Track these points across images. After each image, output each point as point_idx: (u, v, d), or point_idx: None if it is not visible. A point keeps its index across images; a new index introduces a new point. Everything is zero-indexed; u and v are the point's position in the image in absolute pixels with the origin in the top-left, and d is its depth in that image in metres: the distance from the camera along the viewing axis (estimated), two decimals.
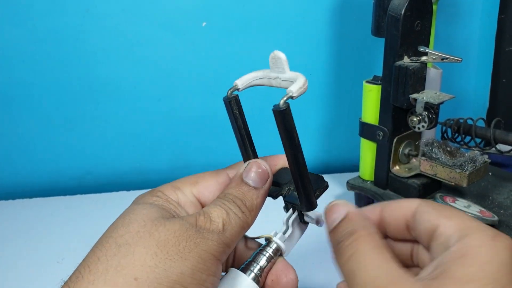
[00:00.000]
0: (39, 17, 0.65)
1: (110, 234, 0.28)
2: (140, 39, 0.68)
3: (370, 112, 0.60)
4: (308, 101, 0.76)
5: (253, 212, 0.33)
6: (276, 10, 0.70)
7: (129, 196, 0.70)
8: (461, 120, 0.64)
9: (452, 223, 0.26)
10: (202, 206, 0.34)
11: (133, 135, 0.74)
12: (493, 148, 0.62)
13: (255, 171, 0.33)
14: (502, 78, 0.75)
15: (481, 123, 0.65)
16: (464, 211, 0.51)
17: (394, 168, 0.60)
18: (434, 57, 0.53)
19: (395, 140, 0.58)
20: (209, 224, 0.30)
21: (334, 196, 0.68)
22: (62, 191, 0.73)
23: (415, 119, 0.56)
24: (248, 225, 0.32)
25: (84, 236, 0.60)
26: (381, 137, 0.59)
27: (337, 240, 0.30)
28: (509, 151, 0.63)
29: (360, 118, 0.62)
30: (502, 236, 0.25)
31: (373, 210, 0.33)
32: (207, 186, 0.35)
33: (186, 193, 0.34)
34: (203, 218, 0.30)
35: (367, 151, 0.62)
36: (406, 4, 0.52)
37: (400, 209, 0.31)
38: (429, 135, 0.62)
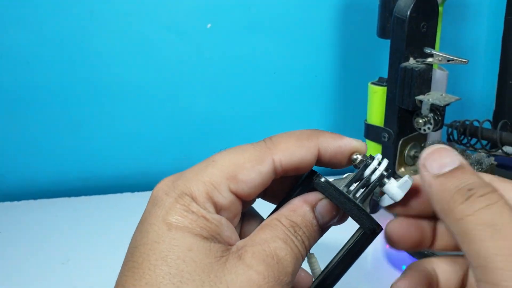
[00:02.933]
0: (44, 19, 0.65)
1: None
2: (145, 41, 0.68)
3: (376, 114, 0.60)
4: (313, 103, 0.76)
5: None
6: (281, 11, 0.70)
7: (134, 198, 0.70)
8: (467, 122, 0.64)
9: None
10: (239, 198, 0.26)
11: (138, 137, 0.74)
12: (500, 150, 0.61)
13: (328, 209, 0.27)
14: (508, 79, 0.74)
15: (488, 125, 0.65)
16: None
17: (400, 170, 0.59)
18: (440, 59, 0.53)
19: (400, 142, 0.58)
20: (282, 274, 0.24)
21: None
22: (67, 192, 0.73)
23: (420, 121, 0.56)
24: (300, 265, 0.27)
25: (89, 237, 0.60)
26: (386, 139, 0.58)
27: (459, 187, 0.23)
28: None
29: (365, 120, 0.62)
30: None
31: None
32: (248, 182, 0.26)
33: (223, 193, 0.26)
34: (276, 265, 0.24)
35: (373, 153, 0.62)
36: (412, 5, 0.51)
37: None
38: (435, 137, 0.61)
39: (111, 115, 0.72)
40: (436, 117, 0.55)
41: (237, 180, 0.26)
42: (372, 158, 0.27)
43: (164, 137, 0.75)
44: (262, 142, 0.27)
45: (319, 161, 0.28)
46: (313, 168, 0.28)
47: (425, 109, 0.54)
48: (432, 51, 0.54)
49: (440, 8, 0.57)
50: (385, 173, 0.27)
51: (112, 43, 0.68)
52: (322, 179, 0.26)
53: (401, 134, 0.58)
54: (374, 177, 0.27)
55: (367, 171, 0.27)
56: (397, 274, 0.53)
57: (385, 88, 0.57)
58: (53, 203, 0.69)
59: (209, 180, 0.25)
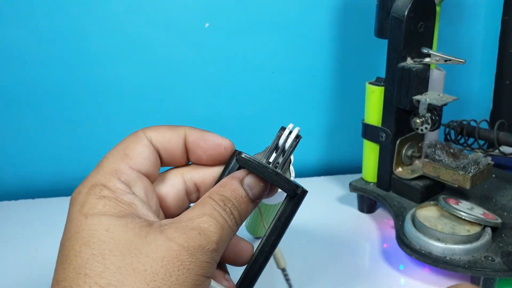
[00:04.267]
0: (41, 18, 0.65)
1: (84, 270, 0.23)
2: (142, 40, 0.68)
3: (373, 114, 0.60)
4: (311, 102, 0.76)
5: (241, 224, 0.29)
6: (279, 11, 0.70)
7: None
8: (464, 122, 0.64)
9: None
10: (145, 175, 0.29)
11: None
12: (497, 150, 0.62)
13: (256, 182, 0.29)
14: (505, 79, 0.74)
15: (485, 125, 0.65)
16: (467, 214, 0.51)
17: (397, 170, 0.59)
18: (437, 59, 0.53)
19: (398, 141, 0.58)
20: (204, 243, 0.25)
21: (337, 198, 0.68)
22: (64, 191, 0.73)
23: (418, 120, 0.56)
24: (232, 236, 0.28)
25: None
26: (384, 138, 0.59)
27: None
28: None
29: (363, 120, 0.62)
30: None
31: None
32: (138, 155, 0.29)
33: (126, 172, 0.28)
34: (198, 236, 0.25)
35: (370, 153, 0.62)
36: (410, 5, 0.51)
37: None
38: (432, 136, 0.61)
39: (108, 114, 0.72)
40: (433, 117, 0.55)
41: (130, 157, 0.29)
42: (284, 128, 0.30)
43: None
44: (140, 130, 0.32)
45: (187, 148, 0.31)
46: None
47: (422, 109, 0.54)
48: (430, 51, 0.54)
49: (438, 8, 0.57)
50: (296, 140, 0.30)
51: (110, 42, 0.68)
52: (243, 155, 0.29)
53: (399, 134, 0.58)
54: (287, 145, 0.30)
55: (281, 140, 0.30)
56: (394, 273, 0.53)
57: (382, 88, 0.58)
58: (51, 202, 0.69)
59: (111, 167, 0.28)
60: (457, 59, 0.52)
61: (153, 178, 0.30)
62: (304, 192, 0.30)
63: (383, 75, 0.57)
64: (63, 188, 0.74)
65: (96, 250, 0.24)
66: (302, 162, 0.79)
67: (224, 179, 0.29)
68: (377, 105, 0.59)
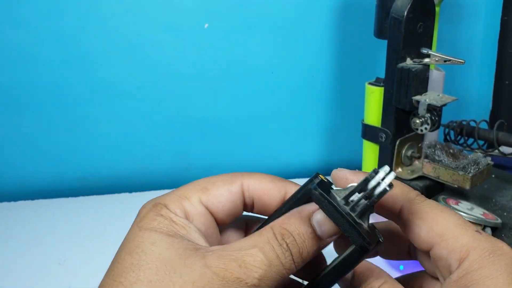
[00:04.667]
0: (40, 18, 0.65)
1: (119, 278, 0.24)
2: (142, 41, 0.68)
3: (373, 114, 0.60)
4: (311, 103, 0.76)
5: (303, 263, 0.26)
6: (279, 12, 0.70)
7: (132, 198, 0.70)
8: (464, 122, 0.64)
9: (446, 243, 0.25)
10: (213, 215, 0.29)
11: (135, 137, 0.74)
12: (496, 150, 0.62)
13: (328, 219, 0.26)
14: (505, 80, 0.74)
15: (484, 125, 0.65)
16: (467, 214, 0.51)
17: (397, 170, 0.59)
18: (436, 59, 0.53)
19: (397, 142, 0.58)
20: (243, 276, 0.24)
21: None
22: (64, 192, 0.73)
23: (417, 121, 0.56)
24: (290, 275, 0.26)
25: (86, 238, 0.60)
26: (383, 139, 0.59)
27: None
28: None
29: (363, 120, 0.62)
30: (500, 249, 0.24)
31: None
32: (217, 196, 0.29)
33: (194, 203, 0.28)
34: (237, 268, 0.24)
35: (370, 153, 0.62)
36: (409, 5, 0.51)
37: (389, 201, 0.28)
38: (432, 137, 0.61)
39: (108, 115, 0.72)
40: (433, 117, 0.55)
41: (207, 193, 0.29)
42: (377, 171, 0.25)
43: (162, 137, 0.74)
44: (239, 172, 0.31)
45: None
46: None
47: (422, 110, 0.54)
48: (429, 52, 0.54)
49: (437, 9, 0.57)
50: (388, 189, 0.25)
51: (109, 43, 0.68)
52: (317, 191, 0.26)
53: (398, 134, 0.58)
54: (377, 190, 0.25)
55: (372, 183, 0.25)
56: (394, 273, 0.53)
57: (382, 89, 0.58)
58: (50, 203, 0.69)
59: (182, 193, 0.28)
60: (456, 60, 0.52)
61: (225, 221, 0.30)
62: (375, 246, 0.26)
63: (382, 75, 0.57)
64: (62, 189, 0.74)
65: (136, 261, 0.24)
66: (301, 162, 0.79)
67: (293, 211, 0.27)
68: (377, 105, 0.59)
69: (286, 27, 0.71)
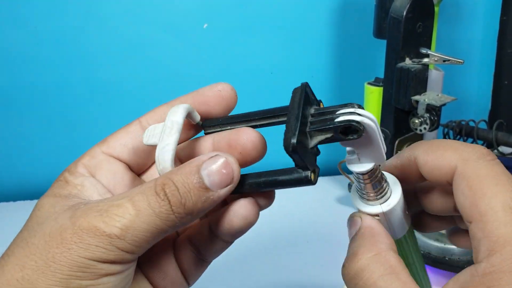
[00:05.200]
0: (40, 18, 0.65)
1: (16, 241, 0.25)
2: (141, 41, 0.68)
3: (372, 114, 0.60)
4: None
5: (189, 217, 0.24)
6: (278, 12, 0.70)
7: None
8: (463, 122, 0.64)
9: (484, 226, 0.21)
10: (121, 161, 0.29)
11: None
12: (495, 150, 0.62)
13: (218, 169, 0.24)
14: (504, 80, 0.74)
15: (483, 125, 0.65)
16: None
17: None
18: (436, 59, 0.53)
19: (396, 142, 0.58)
20: (101, 225, 0.22)
21: (336, 198, 0.68)
22: None
23: (417, 121, 0.56)
24: (173, 228, 0.24)
25: None
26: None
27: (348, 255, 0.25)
28: (511, 153, 0.62)
29: None
30: None
31: (403, 158, 0.26)
32: (118, 139, 0.29)
33: (94, 155, 0.28)
34: (96, 217, 0.23)
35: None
36: (408, 5, 0.51)
37: (440, 169, 0.24)
38: (431, 137, 0.61)
39: (107, 115, 0.71)
40: (432, 117, 0.55)
41: (107, 142, 0.29)
42: (360, 106, 0.23)
43: None
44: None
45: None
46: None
47: (421, 109, 0.54)
48: (428, 52, 0.54)
49: (436, 9, 0.57)
50: (349, 123, 0.22)
51: (109, 43, 0.68)
52: (304, 87, 0.25)
53: (397, 134, 0.58)
54: (339, 118, 0.23)
55: (345, 110, 0.23)
56: None
57: (381, 88, 0.58)
58: None
59: (86, 153, 0.29)
60: (455, 59, 0.52)
61: (138, 164, 0.29)
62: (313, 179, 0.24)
63: (381, 75, 0.57)
64: None
65: (29, 223, 0.26)
66: None
67: (185, 163, 0.25)
68: (376, 105, 0.59)
69: (286, 27, 0.71)
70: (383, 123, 0.58)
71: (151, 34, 0.68)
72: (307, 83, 0.26)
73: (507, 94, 0.74)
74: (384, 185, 0.26)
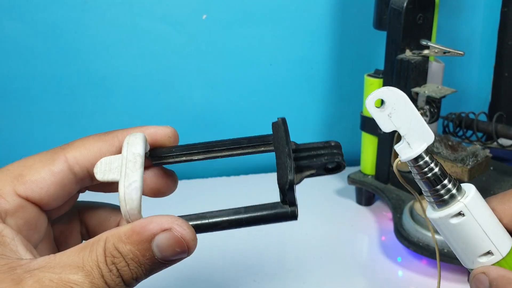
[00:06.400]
0: (37, 10, 0.64)
1: None
2: (139, 32, 0.68)
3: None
4: (309, 95, 0.76)
5: (137, 283, 0.24)
6: (277, 3, 0.70)
7: None
8: (463, 114, 0.64)
9: None
10: (37, 205, 0.25)
11: None
12: (495, 143, 0.62)
13: (171, 247, 0.23)
14: (504, 72, 0.74)
15: (483, 117, 0.65)
16: None
17: (396, 162, 0.59)
18: (436, 51, 0.53)
19: (396, 134, 0.58)
20: None
21: (335, 191, 0.68)
22: None
23: None
24: None
25: None
26: (382, 131, 0.58)
27: None
28: (511, 146, 0.62)
29: (361, 112, 0.61)
30: None
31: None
32: (37, 181, 0.24)
33: (7, 197, 0.24)
34: None
35: (368, 145, 0.62)
36: None
37: None
38: (431, 129, 0.61)
39: (105, 107, 0.71)
40: (432, 109, 0.55)
41: (24, 180, 0.24)
42: (338, 146, 0.24)
43: None
44: (59, 146, 0.26)
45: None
46: None
47: (421, 101, 0.54)
48: (428, 43, 0.54)
49: (437, 0, 0.56)
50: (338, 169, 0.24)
51: (107, 34, 0.67)
52: (281, 121, 0.24)
53: None
54: (328, 164, 0.25)
55: (331, 151, 0.25)
56: (393, 266, 0.53)
57: (381, 80, 0.57)
58: None
59: None
60: (456, 51, 0.52)
61: (56, 208, 0.26)
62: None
63: (381, 67, 0.57)
64: None
65: None
66: None
67: (135, 226, 0.23)
68: None
69: (285, 18, 0.71)
70: None
71: (148, 25, 0.68)
72: (284, 118, 0.26)
73: (507, 86, 0.74)
74: (449, 178, 0.25)
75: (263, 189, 0.51)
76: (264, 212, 0.25)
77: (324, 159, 0.24)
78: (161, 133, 0.28)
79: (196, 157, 0.27)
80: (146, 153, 0.26)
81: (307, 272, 0.52)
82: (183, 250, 0.23)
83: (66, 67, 0.68)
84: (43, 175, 0.25)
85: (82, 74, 0.69)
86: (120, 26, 0.67)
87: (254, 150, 0.26)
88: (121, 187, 0.23)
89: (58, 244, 0.28)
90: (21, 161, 0.26)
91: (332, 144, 0.25)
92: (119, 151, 0.25)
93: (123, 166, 0.24)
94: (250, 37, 0.71)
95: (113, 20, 0.67)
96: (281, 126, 0.25)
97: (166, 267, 0.24)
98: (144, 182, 0.26)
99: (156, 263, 0.23)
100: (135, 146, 0.24)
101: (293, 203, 0.24)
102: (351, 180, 0.63)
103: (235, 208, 0.25)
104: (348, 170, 0.66)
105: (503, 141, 0.63)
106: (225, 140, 0.27)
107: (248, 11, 0.69)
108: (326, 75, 0.75)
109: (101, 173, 0.24)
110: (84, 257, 0.22)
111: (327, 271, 0.52)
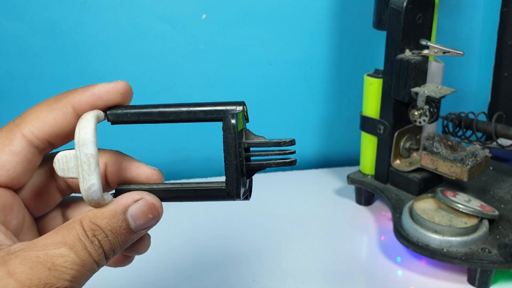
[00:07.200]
0: (36, 9, 0.64)
1: None
2: (138, 32, 0.68)
3: (371, 106, 0.59)
4: (309, 94, 0.76)
5: (113, 257, 0.25)
6: (277, 2, 0.70)
7: None
8: (462, 114, 0.64)
9: None
10: (7, 187, 0.26)
11: (131, 129, 0.73)
12: (494, 143, 0.62)
13: (143, 214, 0.25)
14: (504, 72, 0.74)
15: (483, 117, 0.65)
16: (464, 206, 0.51)
17: (395, 162, 0.59)
18: (435, 51, 0.53)
19: (396, 134, 0.58)
20: (53, 281, 0.21)
21: (334, 190, 0.68)
22: None
23: (416, 113, 0.56)
24: (96, 270, 0.24)
25: None
26: (382, 131, 0.58)
27: None
28: (510, 146, 0.62)
29: (361, 112, 0.61)
30: None
31: None
32: (1, 166, 0.25)
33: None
34: (46, 272, 0.21)
35: (368, 145, 0.62)
36: None
37: None
38: (430, 129, 0.61)
39: None
40: (431, 109, 0.55)
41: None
42: (292, 143, 0.26)
43: (158, 128, 0.74)
44: (11, 121, 0.26)
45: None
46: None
47: (420, 101, 0.54)
48: (428, 43, 0.54)
49: (436, 0, 0.57)
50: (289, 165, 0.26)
51: (106, 33, 0.67)
52: (233, 121, 0.26)
53: (397, 126, 0.58)
54: (278, 160, 0.26)
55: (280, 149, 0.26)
56: (392, 266, 0.53)
57: (381, 80, 0.57)
58: None
59: None
60: (455, 51, 0.52)
61: (23, 182, 0.26)
62: (238, 199, 0.26)
63: (381, 67, 0.57)
64: None
65: None
66: (299, 154, 0.78)
67: (110, 205, 0.25)
68: (375, 97, 0.58)
69: (284, 18, 0.71)
70: (382, 115, 0.58)
71: (148, 25, 0.68)
72: (236, 114, 0.27)
73: (507, 86, 0.74)
74: None
75: (262, 188, 0.51)
76: (208, 193, 0.27)
77: (274, 163, 0.26)
78: (112, 91, 0.28)
79: (149, 121, 0.29)
80: (102, 118, 0.27)
81: (307, 272, 0.52)
82: (155, 215, 0.25)
83: (66, 67, 0.68)
84: (5, 157, 0.25)
85: (82, 74, 0.69)
86: (119, 25, 0.67)
87: (205, 119, 0.29)
88: (81, 189, 0.24)
89: None
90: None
91: (286, 141, 0.26)
92: (72, 119, 0.26)
93: (79, 167, 0.24)
94: (249, 36, 0.71)
95: (113, 20, 0.67)
96: (230, 128, 0.26)
97: (137, 237, 0.25)
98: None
99: (130, 233, 0.25)
100: (86, 144, 0.24)
101: (238, 196, 0.26)
102: (350, 180, 0.63)
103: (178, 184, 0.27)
104: (348, 170, 0.66)
105: (503, 141, 0.63)
106: (182, 108, 0.30)
107: (247, 11, 0.69)
108: (325, 75, 0.75)
109: (61, 171, 0.25)
110: (64, 235, 0.23)
111: (326, 270, 0.52)
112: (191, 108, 0.29)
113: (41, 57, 0.67)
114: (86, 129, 0.24)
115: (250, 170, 0.26)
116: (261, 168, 0.26)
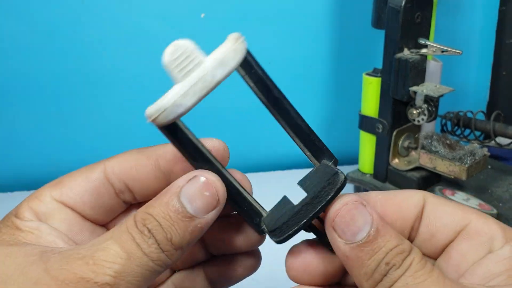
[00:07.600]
0: (35, 9, 0.64)
1: None
2: (137, 31, 0.68)
3: (370, 105, 0.60)
4: (308, 93, 0.76)
5: (180, 252, 0.22)
6: (276, 2, 0.70)
7: None
8: (461, 113, 0.64)
9: (484, 221, 0.24)
10: (75, 211, 0.25)
11: (131, 128, 0.73)
12: (493, 141, 0.62)
13: (199, 193, 0.22)
14: (502, 70, 0.74)
15: (481, 116, 0.65)
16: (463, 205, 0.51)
17: (394, 161, 0.59)
18: (434, 50, 0.53)
19: (394, 133, 0.58)
20: (91, 275, 0.20)
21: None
22: None
23: (414, 112, 0.56)
24: (165, 267, 0.22)
25: None
26: (380, 130, 0.58)
27: (377, 260, 0.21)
28: (508, 144, 0.62)
29: (360, 111, 0.62)
30: None
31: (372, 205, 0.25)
32: (72, 187, 0.25)
33: (45, 201, 0.25)
34: (83, 266, 0.20)
35: (367, 144, 0.62)
36: None
37: (407, 205, 0.25)
38: (429, 128, 0.61)
39: (103, 106, 0.71)
40: (430, 108, 0.55)
41: (60, 186, 0.25)
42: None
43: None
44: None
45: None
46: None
47: (419, 100, 0.54)
48: (427, 42, 0.54)
49: None
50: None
51: (105, 33, 0.67)
52: (343, 178, 0.24)
53: (395, 125, 0.58)
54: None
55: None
56: None
57: (379, 79, 0.57)
58: None
59: (34, 194, 0.25)
60: (454, 50, 0.52)
61: (94, 216, 0.26)
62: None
63: (380, 66, 0.57)
64: None
65: None
66: (298, 153, 0.78)
67: (163, 190, 0.23)
68: (374, 96, 0.59)
69: (283, 17, 0.71)
70: (381, 114, 0.58)
71: (147, 23, 0.68)
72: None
73: (505, 85, 0.74)
74: None
75: (262, 188, 0.51)
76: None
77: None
78: (217, 147, 0.27)
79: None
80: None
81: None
82: (212, 193, 0.22)
83: (64, 66, 0.68)
84: (78, 181, 0.26)
85: (80, 73, 0.69)
86: (118, 25, 0.67)
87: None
88: (165, 96, 0.23)
89: None
90: (72, 172, 0.26)
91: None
92: (154, 167, 0.26)
93: (194, 77, 0.22)
94: (248, 35, 0.70)
95: (111, 19, 0.67)
96: (338, 183, 0.24)
97: (202, 226, 0.22)
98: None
99: (190, 219, 0.21)
100: (224, 67, 0.20)
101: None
102: (349, 178, 0.64)
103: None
104: (347, 169, 0.67)
105: (501, 140, 0.63)
106: None
107: (246, 10, 0.69)
108: (324, 73, 0.75)
109: (170, 56, 0.20)
110: (114, 230, 0.22)
111: None
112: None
113: (40, 57, 0.67)
114: (236, 53, 0.18)
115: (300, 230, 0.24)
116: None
